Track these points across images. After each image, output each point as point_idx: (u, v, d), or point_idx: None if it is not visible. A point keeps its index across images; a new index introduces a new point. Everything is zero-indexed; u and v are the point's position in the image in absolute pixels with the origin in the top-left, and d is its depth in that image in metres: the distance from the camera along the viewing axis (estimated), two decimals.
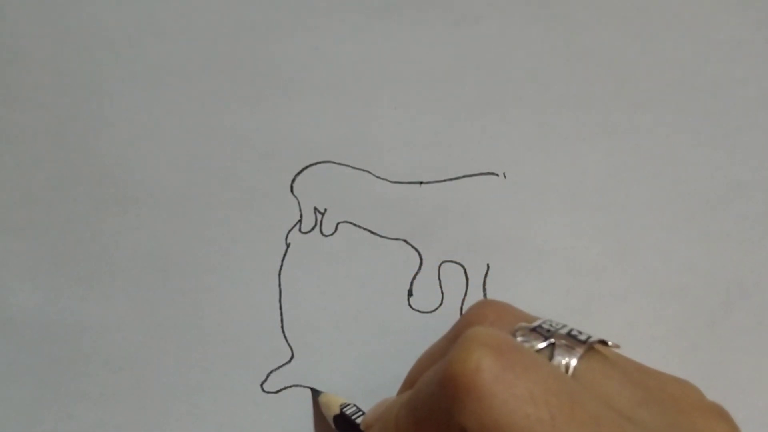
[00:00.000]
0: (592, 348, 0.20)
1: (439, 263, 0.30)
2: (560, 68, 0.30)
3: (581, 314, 0.30)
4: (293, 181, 0.29)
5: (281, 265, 0.30)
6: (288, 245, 0.30)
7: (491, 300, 0.24)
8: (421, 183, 0.30)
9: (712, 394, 0.31)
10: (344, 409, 0.27)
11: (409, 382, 0.25)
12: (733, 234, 0.31)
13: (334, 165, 0.30)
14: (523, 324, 0.21)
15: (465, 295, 0.30)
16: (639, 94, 0.30)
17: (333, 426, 0.27)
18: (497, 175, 0.30)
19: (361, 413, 0.27)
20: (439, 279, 0.30)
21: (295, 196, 0.30)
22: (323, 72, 0.29)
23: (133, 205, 0.29)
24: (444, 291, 0.30)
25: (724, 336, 0.31)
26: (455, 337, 0.23)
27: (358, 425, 0.26)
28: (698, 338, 0.31)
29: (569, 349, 0.19)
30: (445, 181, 0.30)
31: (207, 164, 0.29)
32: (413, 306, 0.30)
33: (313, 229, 0.30)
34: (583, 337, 0.20)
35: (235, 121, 0.29)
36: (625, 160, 0.30)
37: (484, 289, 0.30)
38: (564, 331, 0.20)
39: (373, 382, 0.30)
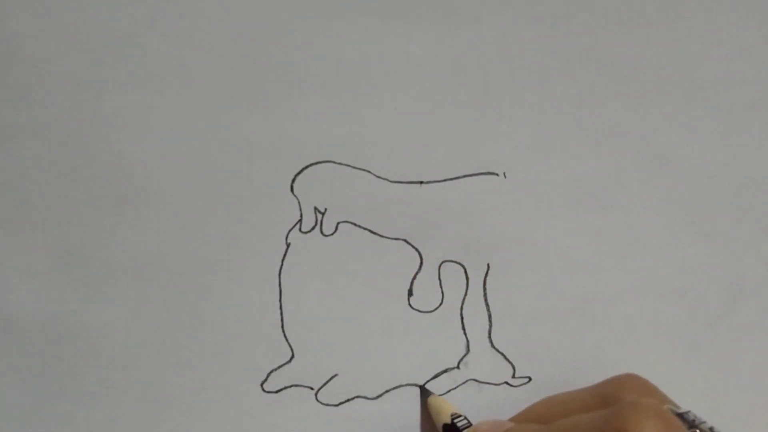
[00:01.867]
0: None
1: (439, 263, 0.30)
2: (560, 68, 0.30)
3: (581, 314, 0.30)
4: (293, 181, 0.29)
5: (281, 265, 0.30)
6: (288, 245, 0.30)
7: (638, 375, 0.26)
8: (421, 183, 0.30)
9: (712, 394, 0.31)
10: (455, 420, 0.27)
11: (535, 414, 0.27)
12: (733, 234, 0.31)
13: (334, 165, 0.30)
14: (671, 407, 0.23)
15: (465, 294, 0.30)
16: (639, 94, 0.30)
17: (440, 431, 0.28)
18: (497, 175, 0.30)
19: (468, 424, 0.27)
20: (439, 279, 0.30)
21: (295, 196, 0.30)
22: (323, 72, 0.29)
23: (133, 205, 0.29)
24: (444, 291, 0.30)
25: (724, 336, 0.31)
26: (605, 396, 0.25)
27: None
28: (698, 338, 0.31)
29: None
30: (445, 181, 0.30)
31: (207, 164, 0.29)
32: (413, 306, 0.30)
33: (313, 229, 0.30)
34: None
35: (235, 121, 0.29)
36: (625, 160, 0.30)
37: (484, 289, 0.30)
38: (706, 426, 0.22)
39: (373, 382, 0.30)
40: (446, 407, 0.28)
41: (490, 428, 0.26)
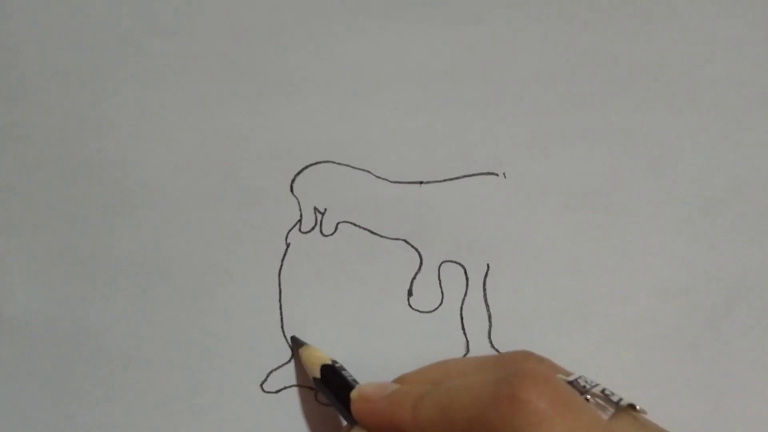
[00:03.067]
0: (621, 408, 0.22)
1: (439, 263, 0.30)
2: (560, 68, 0.30)
3: (581, 314, 0.30)
4: (293, 181, 0.29)
5: (281, 265, 0.30)
6: (288, 245, 0.30)
7: (532, 352, 0.26)
8: (421, 183, 0.30)
9: (712, 394, 0.31)
10: (334, 364, 0.27)
11: (422, 379, 0.26)
12: (733, 234, 0.31)
13: (334, 165, 0.30)
14: (562, 376, 0.23)
15: (465, 294, 0.30)
16: (639, 94, 0.30)
17: (313, 383, 0.27)
18: (497, 175, 0.30)
19: (345, 372, 0.27)
20: (439, 279, 0.30)
21: (295, 196, 0.30)
22: (323, 72, 0.29)
23: (133, 204, 0.29)
24: (444, 291, 0.30)
25: (724, 336, 0.31)
26: (496, 365, 0.25)
27: (346, 383, 0.26)
28: (698, 338, 0.31)
29: (602, 407, 0.22)
30: (445, 181, 0.30)
31: (207, 164, 0.29)
32: (413, 306, 0.30)
33: (313, 229, 0.30)
34: (615, 398, 0.22)
35: (235, 121, 0.29)
36: (625, 160, 0.30)
37: (484, 289, 0.30)
38: (598, 389, 0.22)
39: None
40: (320, 357, 0.27)
41: (375, 390, 0.25)
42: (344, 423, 0.28)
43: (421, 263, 0.30)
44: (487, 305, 0.30)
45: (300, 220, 0.30)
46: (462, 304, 0.30)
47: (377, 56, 0.29)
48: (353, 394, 0.26)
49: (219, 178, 0.29)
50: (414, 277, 0.30)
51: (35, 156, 0.29)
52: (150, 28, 0.29)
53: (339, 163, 0.30)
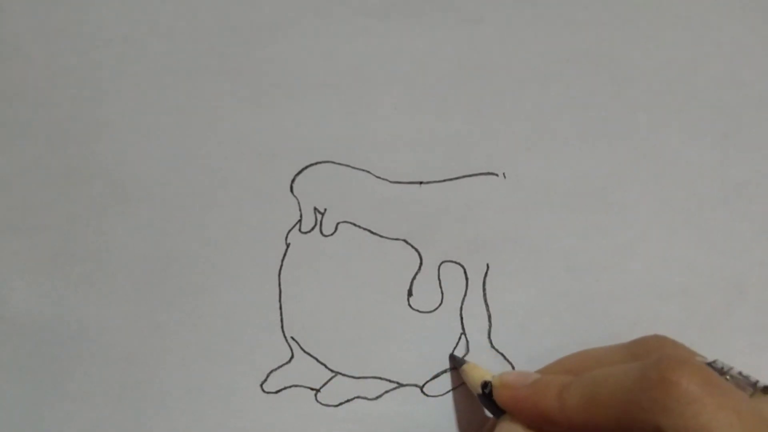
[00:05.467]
0: (758, 389, 0.23)
1: (439, 263, 0.30)
2: (560, 68, 0.30)
3: (581, 314, 0.30)
4: (293, 181, 0.29)
5: (281, 265, 0.30)
6: (288, 245, 0.30)
7: (665, 336, 0.27)
8: (421, 183, 0.30)
9: None
10: (485, 390, 0.27)
11: (562, 367, 0.27)
12: (733, 234, 0.31)
13: (334, 165, 0.30)
14: (700, 358, 0.24)
15: (465, 295, 0.30)
16: (639, 94, 0.30)
17: (479, 400, 0.27)
18: (497, 175, 0.30)
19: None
20: (439, 279, 0.30)
21: (295, 196, 0.30)
22: (323, 72, 0.29)
23: (133, 205, 0.29)
24: (444, 291, 0.30)
25: (724, 336, 0.31)
26: (635, 353, 0.26)
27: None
28: (698, 338, 0.31)
29: (742, 387, 0.23)
30: (445, 181, 0.30)
31: (207, 164, 0.29)
32: (413, 306, 0.30)
33: (313, 229, 0.30)
34: (752, 380, 0.23)
35: (235, 121, 0.29)
36: (625, 160, 0.30)
37: (484, 289, 0.30)
38: (735, 371, 0.23)
39: (373, 382, 0.30)
40: (480, 374, 0.28)
41: (516, 378, 0.26)
42: None
43: (421, 263, 0.30)
44: (487, 305, 0.30)
45: (300, 220, 0.30)
46: (462, 304, 0.30)
47: (377, 56, 0.29)
48: (495, 381, 0.26)
49: (219, 178, 0.29)
50: (414, 277, 0.30)
51: (35, 156, 0.29)
52: (149, 28, 0.29)
53: (339, 163, 0.30)
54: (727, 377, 0.23)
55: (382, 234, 0.30)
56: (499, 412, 0.26)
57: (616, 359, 0.26)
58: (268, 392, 0.30)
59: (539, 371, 0.28)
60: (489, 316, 0.30)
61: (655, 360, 0.22)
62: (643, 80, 0.30)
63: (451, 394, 0.30)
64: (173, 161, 0.29)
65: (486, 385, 0.27)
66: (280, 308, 0.30)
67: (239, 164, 0.29)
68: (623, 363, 0.24)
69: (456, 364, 0.30)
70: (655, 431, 0.21)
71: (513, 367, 0.30)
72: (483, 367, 0.29)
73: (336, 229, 0.30)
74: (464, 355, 0.30)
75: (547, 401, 0.24)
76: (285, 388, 0.30)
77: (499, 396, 0.26)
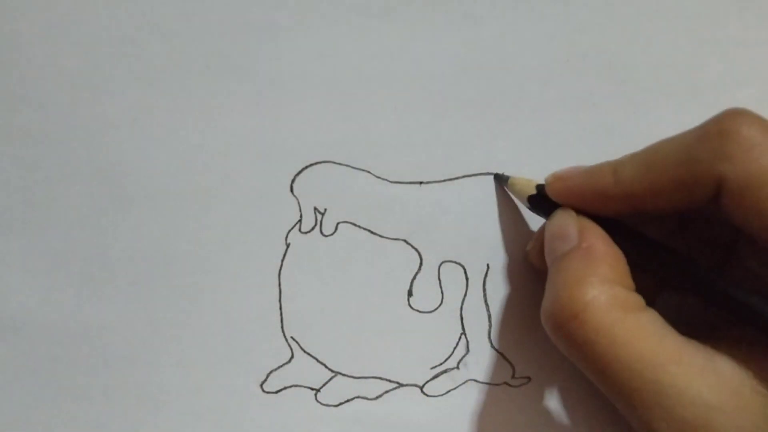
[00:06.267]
0: None
1: (439, 263, 0.30)
2: (560, 68, 0.30)
3: None
4: (293, 181, 0.29)
5: (281, 265, 0.30)
6: (288, 245, 0.30)
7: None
8: (421, 183, 0.30)
9: None
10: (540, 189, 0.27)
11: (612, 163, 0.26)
12: None
13: (334, 165, 0.30)
14: None
15: (465, 295, 0.30)
16: (639, 94, 0.30)
17: (528, 206, 0.28)
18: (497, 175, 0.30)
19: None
20: (439, 279, 0.30)
21: (295, 196, 0.30)
22: (323, 72, 0.29)
23: (133, 205, 0.29)
24: (444, 291, 0.30)
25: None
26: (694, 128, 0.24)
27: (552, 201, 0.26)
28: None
29: None
30: (445, 181, 0.30)
31: (207, 164, 0.29)
32: (413, 306, 0.30)
33: (313, 229, 0.30)
34: None
35: (235, 121, 0.29)
36: None
37: (484, 289, 0.30)
38: None
39: (373, 382, 0.30)
40: (528, 182, 0.28)
41: (569, 169, 0.26)
42: None
43: (421, 263, 0.30)
44: (487, 305, 0.30)
45: (300, 220, 0.30)
46: (462, 304, 0.30)
47: (377, 56, 0.29)
48: (547, 178, 0.26)
49: (219, 178, 0.29)
50: (414, 277, 0.30)
51: (35, 156, 0.29)
52: (149, 28, 0.29)
53: (339, 163, 0.30)
54: None
55: (382, 234, 0.30)
56: (551, 211, 0.26)
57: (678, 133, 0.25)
58: (268, 392, 0.30)
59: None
60: (489, 316, 0.30)
61: (712, 117, 0.22)
62: (643, 80, 0.30)
63: (451, 394, 0.30)
64: (173, 161, 0.29)
65: (538, 188, 0.27)
66: (280, 308, 0.30)
67: (239, 164, 0.29)
68: (684, 132, 0.23)
69: (501, 180, 0.29)
70: (717, 181, 0.21)
71: (513, 367, 0.30)
72: (482, 367, 0.29)
73: (336, 229, 0.30)
74: (464, 355, 0.30)
75: (602, 180, 0.24)
76: (285, 388, 0.30)
77: (552, 189, 0.26)
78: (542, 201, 0.27)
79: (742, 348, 0.22)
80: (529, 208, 0.28)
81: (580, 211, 0.25)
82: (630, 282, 0.23)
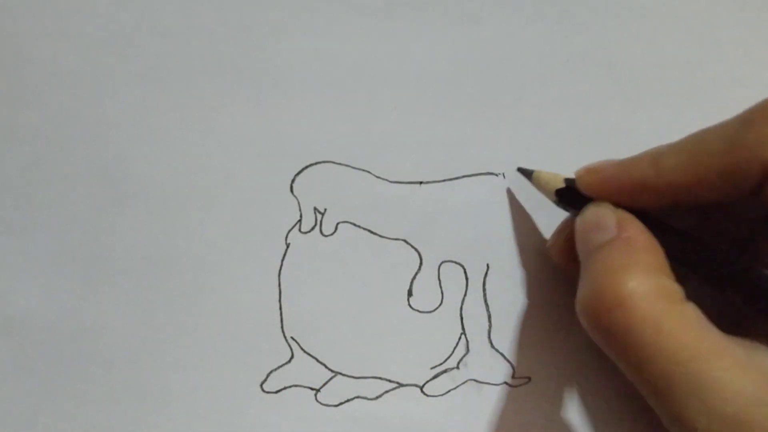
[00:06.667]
0: None
1: (439, 263, 0.30)
2: (560, 68, 0.30)
3: None
4: (293, 181, 0.29)
5: (281, 265, 0.30)
6: (288, 245, 0.30)
7: None
8: (421, 183, 0.30)
9: None
10: (569, 183, 0.26)
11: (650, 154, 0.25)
12: None
13: (334, 165, 0.30)
14: None
15: (465, 295, 0.30)
16: (639, 94, 0.30)
17: (556, 199, 0.27)
18: (497, 175, 0.30)
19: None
20: (439, 279, 0.30)
21: (295, 196, 0.30)
22: (323, 72, 0.29)
23: (133, 205, 0.29)
24: (444, 291, 0.30)
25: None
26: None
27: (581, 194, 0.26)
28: None
29: None
30: (445, 181, 0.30)
31: (207, 164, 0.29)
32: (413, 306, 0.30)
33: (313, 229, 0.30)
34: None
35: (235, 121, 0.29)
36: None
37: (484, 289, 0.30)
38: None
39: (373, 382, 0.30)
40: (555, 176, 0.27)
41: (602, 162, 0.25)
42: None
43: (421, 263, 0.30)
44: (487, 305, 0.30)
45: (300, 220, 0.30)
46: (462, 304, 0.30)
47: (377, 56, 0.29)
48: (579, 171, 0.26)
49: (219, 178, 0.29)
50: (414, 277, 0.30)
51: (35, 156, 0.29)
52: (150, 28, 0.29)
53: (339, 163, 0.30)
54: None
55: (382, 234, 0.30)
56: (581, 205, 0.25)
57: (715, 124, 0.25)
58: (268, 392, 0.30)
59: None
60: (489, 316, 0.30)
61: (755, 104, 0.21)
62: (643, 80, 0.30)
63: (451, 394, 0.30)
64: (173, 161, 0.29)
65: (566, 181, 0.26)
66: (280, 308, 0.30)
67: (239, 164, 0.29)
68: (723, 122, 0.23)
69: (525, 173, 0.29)
70: (764, 169, 0.21)
71: (513, 367, 0.30)
72: (482, 367, 0.29)
73: (336, 229, 0.30)
74: (464, 355, 0.30)
75: (641, 170, 0.23)
76: (285, 388, 0.30)
77: (585, 183, 0.25)
78: (572, 195, 0.26)
79: None
80: (556, 203, 0.27)
81: (615, 204, 0.25)
82: (671, 273, 0.23)
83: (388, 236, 0.30)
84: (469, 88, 0.30)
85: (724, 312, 0.24)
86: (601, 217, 0.24)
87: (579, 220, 0.25)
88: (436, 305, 0.30)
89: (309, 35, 0.29)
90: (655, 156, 0.23)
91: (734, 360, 0.21)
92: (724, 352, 0.21)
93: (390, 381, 0.30)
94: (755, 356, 0.21)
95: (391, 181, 0.30)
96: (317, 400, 0.30)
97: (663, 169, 0.23)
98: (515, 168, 0.30)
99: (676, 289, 0.22)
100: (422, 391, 0.30)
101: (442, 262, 0.30)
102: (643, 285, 0.21)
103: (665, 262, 0.23)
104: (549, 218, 0.30)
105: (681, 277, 0.23)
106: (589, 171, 0.25)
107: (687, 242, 0.24)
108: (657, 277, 0.22)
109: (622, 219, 0.24)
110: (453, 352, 0.30)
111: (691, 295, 0.23)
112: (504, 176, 0.30)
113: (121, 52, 0.29)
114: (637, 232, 0.23)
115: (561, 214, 0.30)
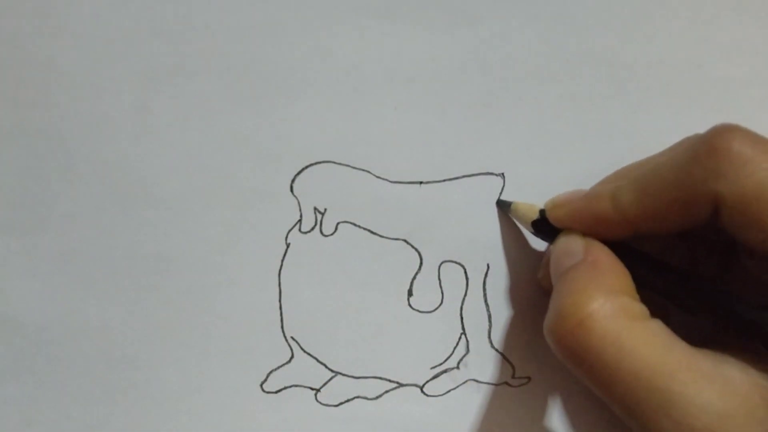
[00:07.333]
0: None
1: (439, 263, 0.30)
2: (560, 68, 0.30)
3: None
4: (293, 181, 0.29)
5: (281, 265, 0.30)
6: (288, 245, 0.30)
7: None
8: (421, 183, 0.30)
9: None
10: (543, 213, 0.27)
11: (613, 179, 0.26)
12: None
13: (334, 165, 0.30)
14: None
15: (465, 295, 0.30)
16: (639, 94, 0.30)
17: (532, 231, 0.28)
18: (497, 175, 0.30)
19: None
20: (439, 279, 0.30)
21: (295, 196, 0.30)
22: (323, 72, 0.29)
23: (134, 205, 0.29)
24: (444, 291, 0.30)
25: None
26: (682, 141, 0.25)
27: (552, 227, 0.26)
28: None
29: None
30: (445, 181, 0.30)
31: (207, 164, 0.29)
32: (413, 306, 0.30)
33: (313, 229, 0.30)
34: None
35: (235, 121, 0.29)
36: (625, 160, 0.30)
37: (484, 289, 0.30)
38: None
39: (373, 382, 0.30)
40: (531, 207, 0.28)
41: (567, 196, 0.26)
42: None
43: (421, 263, 0.30)
44: (487, 305, 0.30)
45: (300, 220, 0.30)
46: (462, 304, 0.30)
47: (377, 56, 0.29)
48: (547, 204, 0.26)
49: (219, 178, 0.29)
50: (414, 277, 0.30)
51: (35, 156, 0.29)
52: (150, 28, 0.29)
53: (339, 163, 0.30)
54: None
55: (382, 234, 0.30)
56: (554, 235, 0.26)
57: (668, 151, 0.26)
58: (268, 392, 0.30)
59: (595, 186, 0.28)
60: (489, 316, 0.30)
61: (701, 135, 0.22)
62: (643, 80, 0.30)
63: (451, 394, 0.30)
64: (173, 161, 0.29)
65: (540, 213, 0.27)
66: (280, 308, 0.30)
67: (239, 164, 0.29)
68: (675, 150, 0.24)
69: (503, 206, 0.29)
70: (714, 201, 0.21)
71: (513, 367, 0.30)
72: (482, 367, 0.29)
73: (336, 229, 0.30)
74: (465, 355, 0.30)
75: (601, 205, 0.24)
76: (285, 388, 0.30)
77: (553, 216, 0.26)
78: (546, 225, 0.27)
79: (748, 354, 0.22)
80: (533, 233, 0.28)
81: (584, 234, 0.25)
82: (635, 294, 0.23)
83: (388, 236, 0.30)
84: (469, 88, 0.30)
85: (695, 329, 0.24)
86: (570, 243, 0.25)
87: (552, 248, 0.26)
88: (436, 305, 0.30)
89: (309, 35, 0.29)
90: (614, 191, 0.24)
91: (700, 373, 0.21)
92: (690, 365, 0.21)
93: (390, 381, 0.30)
94: (723, 368, 0.21)
95: (391, 181, 0.30)
96: (317, 400, 0.30)
97: (621, 204, 0.24)
98: (514, 168, 0.30)
99: (639, 308, 0.23)
100: (422, 391, 0.30)
101: (442, 262, 0.30)
102: (605, 305, 0.22)
103: (630, 283, 0.23)
104: None
105: (655, 302, 0.23)
106: (556, 205, 0.26)
107: (654, 267, 0.24)
108: (619, 297, 0.22)
109: (588, 244, 0.25)
110: (453, 352, 0.30)
111: (665, 317, 0.23)
112: (504, 176, 0.30)
113: (121, 52, 0.29)
114: (601, 255, 0.24)
115: None
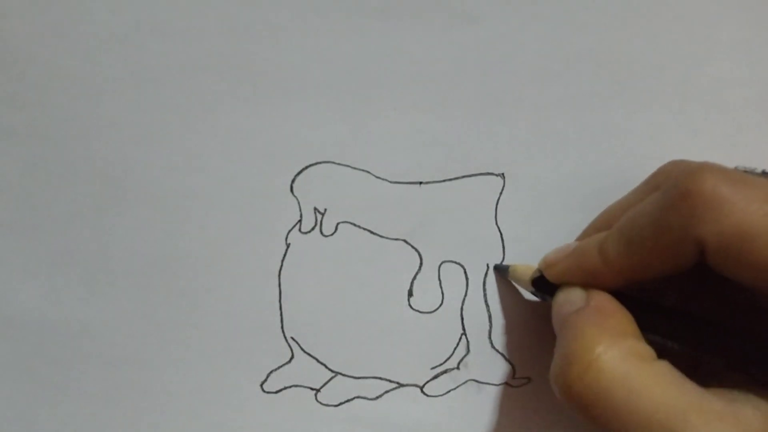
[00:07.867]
0: None
1: (439, 263, 0.30)
2: (560, 68, 0.30)
3: None
4: (293, 181, 0.29)
5: (281, 265, 0.30)
6: (288, 245, 0.30)
7: (681, 159, 0.26)
8: (421, 183, 0.30)
9: None
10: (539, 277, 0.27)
11: (595, 229, 0.27)
12: None
13: (334, 165, 0.30)
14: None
15: (465, 295, 0.30)
16: (639, 94, 0.30)
17: (532, 289, 0.27)
18: (497, 175, 0.30)
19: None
20: (439, 279, 0.30)
21: (295, 196, 0.30)
22: (323, 72, 0.29)
23: (133, 205, 0.29)
24: (444, 291, 0.30)
25: None
26: (658, 183, 0.25)
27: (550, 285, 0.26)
28: None
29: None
30: (445, 181, 0.30)
31: (207, 164, 0.29)
32: (413, 306, 0.30)
33: (313, 229, 0.30)
34: None
35: (235, 121, 0.29)
36: (625, 160, 0.30)
37: (484, 289, 0.30)
38: (759, 170, 0.24)
39: (373, 382, 0.30)
40: (526, 268, 0.28)
41: (556, 254, 0.26)
42: None
43: (421, 263, 0.30)
44: (487, 305, 0.30)
45: (300, 220, 0.30)
46: (462, 304, 0.30)
47: (377, 56, 0.29)
48: (540, 264, 0.27)
49: (219, 178, 0.29)
50: (414, 277, 0.30)
51: (35, 156, 0.29)
52: (149, 28, 0.29)
53: (339, 163, 0.30)
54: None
55: (382, 234, 0.30)
56: (554, 292, 0.26)
57: (642, 197, 0.25)
58: (268, 392, 0.30)
59: (578, 238, 0.28)
60: (489, 316, 0.30)
61: (673, 179, 0.22)
62: (643, 80, 0.30)
63: (451, 394, 0.30)
64: (173, 161, 0.29)
65: (538, 273, 0.27)
66: (280, 308, 0.30)
67: (239, 164, 0.29)
68: (652, 196, 0.23)
69: (500, 271, 0.30)
70: (698, 244, 0.21)
71: (513, 368, 0.30)
72: (482, 367, 0.29)
73: (336, 229, 0.30)
74: (465, 355, 0.30)
75: (590, 261, 0.24)
76: (285, 388, 0.30)
77: (548, 275, 0.26)
78: (545, 282, 0.26)
79: (758, 389, 0.22)
80: (534, 293, 0.28)
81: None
82: (641, 336, 0.23)
83: (388, 236, 0.30)
84: (468, 88, 0.30)
85: (702, 364, 0.24)
86: (570, 293, 0.25)
87: (553, 302, 0.26)
88: (437, 305, 0.30)
89: (308, 35, 0.29)
90: (601, 245, 0.24)
91: (712, 412, 0.20)
92: (702, 405, 0.21)
93: (390, 381, 0.30)
94: (733, 405, 0.21)
95: (391, 181, 0.30)
96: (317, 400, 0.30)
97: (609, 257, 0.24)
98: (514, 168, 0.30)
99: (645, 349, 0.22)
100: (422, 392, 0.30)
101: (442, 262, 0.30)
102: (611, 348, 0.22)
103: (635, 326, 0.23)
104: (549, 218, 0.30)
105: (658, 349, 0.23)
106: (548, 264, 0.26)
107: (655, 311, 0.24)
108: (626, 339, 0.22)
109: (590, 292, 0.25)
110: (453, 352, 0.30)
111: (670, 358, 0.23)
112: (504, 176, 0.30)
113: (121, 52, 0.29)
114: (604, 300, 0.24)
115: (561, 214, 0.30)
